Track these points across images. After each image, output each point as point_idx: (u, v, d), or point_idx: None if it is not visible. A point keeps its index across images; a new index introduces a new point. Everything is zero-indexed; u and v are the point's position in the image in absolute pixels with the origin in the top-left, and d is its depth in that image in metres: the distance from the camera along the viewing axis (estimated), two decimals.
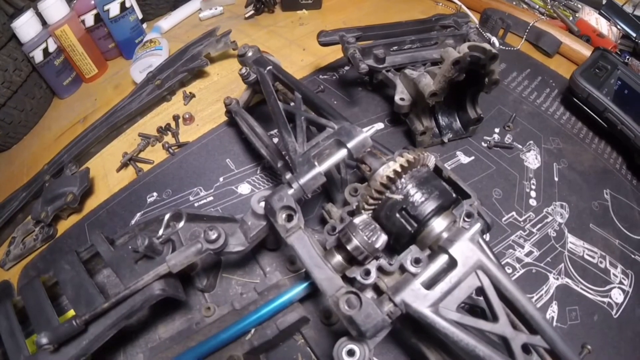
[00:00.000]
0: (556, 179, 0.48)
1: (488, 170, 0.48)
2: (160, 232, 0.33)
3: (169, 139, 0.57)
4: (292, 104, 0.37)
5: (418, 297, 0.26)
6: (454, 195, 0.33)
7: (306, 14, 0.77)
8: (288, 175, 0.29)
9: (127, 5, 0.71)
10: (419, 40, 0.49)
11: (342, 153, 0.30)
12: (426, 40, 0.50)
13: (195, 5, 0.81)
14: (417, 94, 0.43)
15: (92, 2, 0.70)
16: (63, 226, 0.52)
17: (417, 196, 0.31)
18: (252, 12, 0.74)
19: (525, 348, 0.26)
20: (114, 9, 0.70)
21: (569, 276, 0.41)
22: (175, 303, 0.38)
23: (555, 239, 0.44)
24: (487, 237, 0.42)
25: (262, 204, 0.31)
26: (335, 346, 0.26)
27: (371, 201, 0.32)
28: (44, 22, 0.68)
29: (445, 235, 0.31)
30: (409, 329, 0.29)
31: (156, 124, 0.59)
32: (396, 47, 0.48)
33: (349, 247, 0.27)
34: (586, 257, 0.43)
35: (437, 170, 0.36)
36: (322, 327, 0.34)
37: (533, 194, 0.47)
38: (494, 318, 0.27)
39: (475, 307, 0.32)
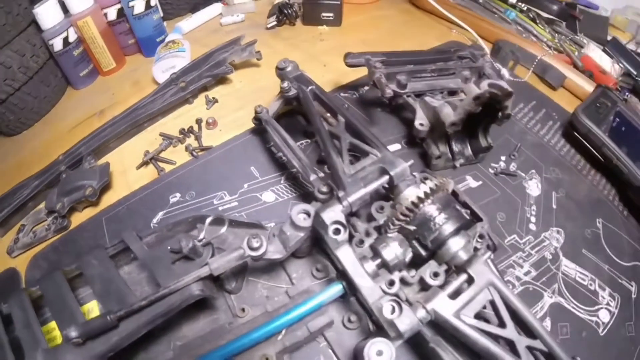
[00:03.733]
0: (554, 206, 0.54)
1: (494, 195, 0.53)
2: (202, 235, 0.36)
3: (191, 141, 0.60)
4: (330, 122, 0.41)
5: (445, 306, 0.31)
6: (468, 218, 0.38)
7: (326, 29, 0.81)
8: (341, 194, 0.33)
9: (152, 3, 0.74)
10: (438, 70, 0.54)
11: (384, 179, 0.35)
12: (445, 70, 0.55)
13: (216, 9, 0.84)
14: (436, 121, 0.47)
15: None
16: (77, 219, 0.54)
17: (439, 218, 0.36)
18: (275, 23, 0.78)
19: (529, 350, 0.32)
20: (138, 6, 0.73)
21: (561, 295, 0.46)
22: (200, 303, 0.40)
23: (551, 261, 0.49)
24: (492, 256, 0.47)
25: (301, 216, 0.35)
26: (366, 348, 0.30)
27: (396, 222, 0.36)
28: (65, 11, 0.69)
29: (461, 253, 0.36)
30: (430, 334, 0.34)
31: (177, 125, 0.62)
32: (417, 74, 0.53)
33: (386, 257, 0.32)
34: (578, 279, 0.48)
35: (454, 194, 0.41)
36: (343, 330, 0.38)
37: (533, 219, 0.52)
38: (502, 325, 0.33)
39: (484, 317, 0.38)
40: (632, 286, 0.49)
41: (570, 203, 0.55)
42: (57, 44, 0.69)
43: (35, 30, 0.68)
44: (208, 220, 0.36)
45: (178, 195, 0.53)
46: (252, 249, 0.33)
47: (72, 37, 0.70)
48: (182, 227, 0.45)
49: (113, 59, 0.76)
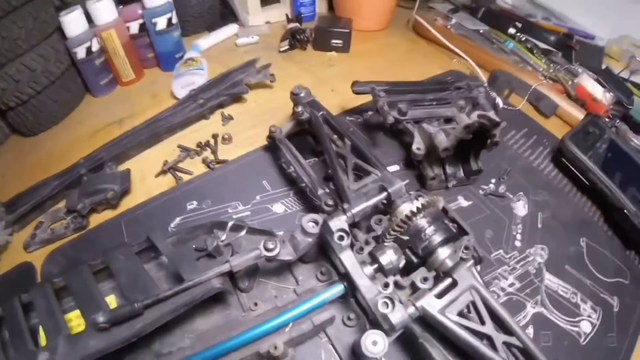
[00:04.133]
0: (539, 225, 0.61)
1: (483, 214, 0.60)
2: (223, 237, 0.43)
3: (207, 154, 0.68)
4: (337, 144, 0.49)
5: (432, 304, 0.38)
6: (455, 231, 0.46)
7: (335, 56, 0.90)
8: (346, 206, 0.41)
9: (174, 21, 0.82)
10: (436, 99, 0.62)
11: (383, 195, 0.43)
12: (442, 100, 0.63)
13: (232, 29, 0.93)
14: (431, 146, 0.55)
15: (140, 11, 0.80)
16: (96, 219, 0.59)
17: (429, 230, 0.43)
18: (287, 47, 0.87)
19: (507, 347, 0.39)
20: (160, 23, 0.81)
21: (544, 306, 0.52)
22: (214, 299, 0.45)
23: (535, 275, 0.55)
24: (478, 268, 0.53)
25: (310, 224, 0.42)
26: (362, 338, 0.37)
27: (392, 232, 0.43)
28: (90, 21, 0.75)
29: (448, 261, 0.43)
30: (419, 330, 0.41)
31: (194, 139, 0.70)
32: (417, 103, 0.61)
33: (383, 262, 0.39)
34: (560, 292, 0.54)
35: (444, 211, 0.49)
36: (343, 328, 0.45)
37: (519, 236, 0.59)
38: (482, 323, 0.40)
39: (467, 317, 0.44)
40: (614, 300, 0.55)
41: (555, 223, 0.62)
42: (81, 52, 0.74)
43: (60, 37, 0.73)
44: (230, 224, 0.43)
45: (195, 202, 0.60)
46: (267, 250, 0.40)
47: (95, 47, 0.76)
48: (201, 231, 0.51)
49: (132, 70, 0.83)
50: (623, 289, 0.56)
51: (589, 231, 0.62)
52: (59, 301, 0.44)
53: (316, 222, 0.42)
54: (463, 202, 0.61)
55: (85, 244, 0.56)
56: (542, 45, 0.95)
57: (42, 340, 0.41)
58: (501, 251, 0.57)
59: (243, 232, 0.43)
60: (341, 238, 0.39)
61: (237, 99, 0.76)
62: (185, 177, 0.64)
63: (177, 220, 0.58)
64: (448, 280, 0.41)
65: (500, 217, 0.61)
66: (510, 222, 0.61)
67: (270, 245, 0.40)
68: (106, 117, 0.78)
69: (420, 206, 0.43)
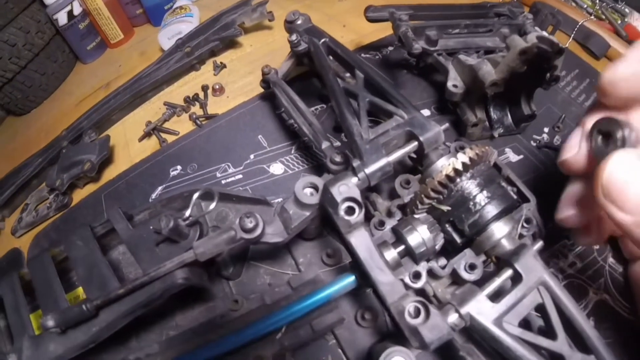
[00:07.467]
0: None
1: (537, 171, 0.43)
2: (187, 213, 0.28)
3: (196, 109, 0.52)
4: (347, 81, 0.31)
5: (483, 310, 0.22)
6: (516, 198, 0.29)
7: None
8: (356, 163, 0.24)
9: None
10: (474, 26, 0.43)
11: (412, 146, 0.26)
12: (481, 27, 0.44)
13: None
14: (473, 82, 0.37)
15: None
16: (79, 195, 0.49)
17: (480, 197, 0.26)
18: None
19: None
20: None
21: (607, 292, 0.37)
22: (195, 290, 0.34)
23: (598, 252, 0.39)
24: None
25: (307, 190, 0.26)
26: (382, 357, 0.22)
27: (426, 200, 0.27)
28: None
29: (505, 242, 0.27)
30: (460, 340, 0.25)
31: (183, 94, 0.54)
32: (449, 30, 0.42)
33: (411, 243, 0.23)
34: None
35: (495, 168, 0.31)
36: (356, 328, 0.30)
37: None
38: (552, 336, 0.24)
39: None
40: None
41: None
42: (62, 18, 0.63)
43: (40, 6, 0.63)
44: (195, 195, 0.28)
45: (179, 167, 0.46)
46: (245, 230, 0.25)
47: (77, 10, 0.64)
48: (177, 203, 0.37)
49: (120, 30, 0.69)
50: None
51: None
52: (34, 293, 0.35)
53: (316, 188, 0.26)
54: (512, 156, 0.44)
55: (67, 224, 0.46)
56: None
57: None
58: None
59: (213, 204, 0.27)
60: (350, 211, 0.23)
61: (231, 44, 0.59)
62: (170, 139, 0.49)
63: (159, 189, 0.45)
64: (507, 273, 0.25)
65: (555, 175, 0.43)
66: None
67: (248, 224, 0.24)
68: (94, 83, 0.65)
69: (467, 162, 0.26)
